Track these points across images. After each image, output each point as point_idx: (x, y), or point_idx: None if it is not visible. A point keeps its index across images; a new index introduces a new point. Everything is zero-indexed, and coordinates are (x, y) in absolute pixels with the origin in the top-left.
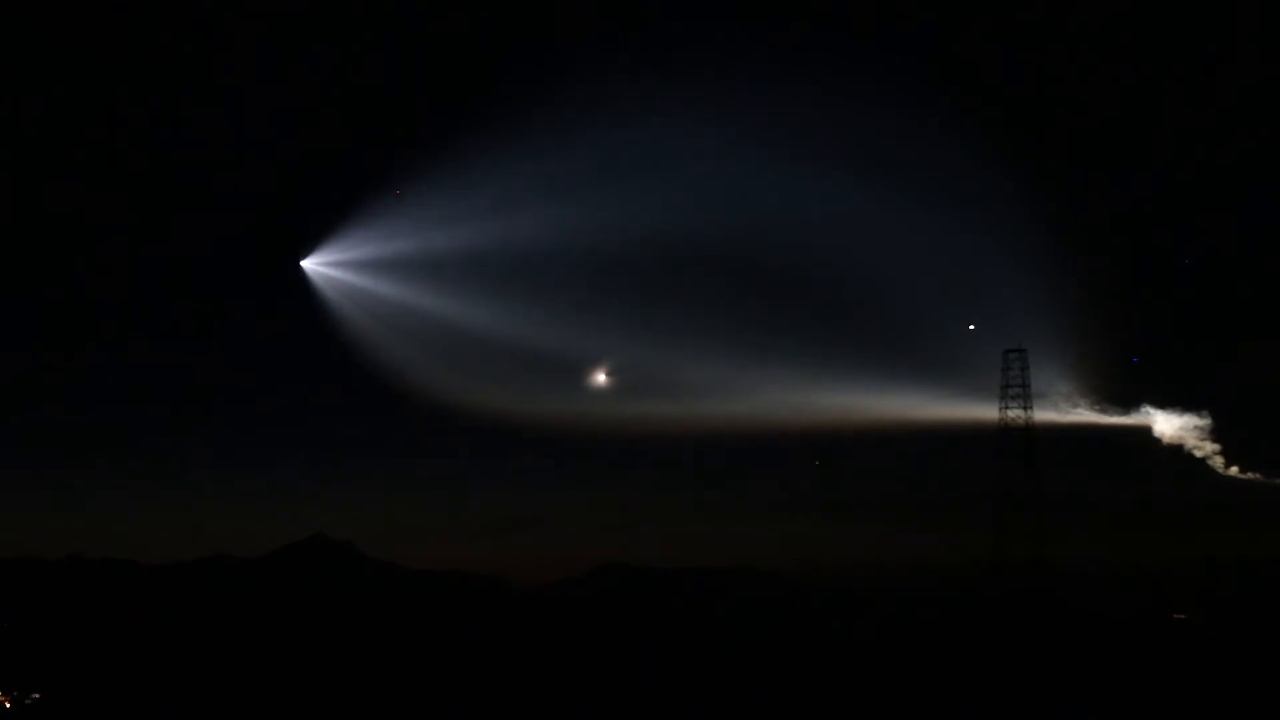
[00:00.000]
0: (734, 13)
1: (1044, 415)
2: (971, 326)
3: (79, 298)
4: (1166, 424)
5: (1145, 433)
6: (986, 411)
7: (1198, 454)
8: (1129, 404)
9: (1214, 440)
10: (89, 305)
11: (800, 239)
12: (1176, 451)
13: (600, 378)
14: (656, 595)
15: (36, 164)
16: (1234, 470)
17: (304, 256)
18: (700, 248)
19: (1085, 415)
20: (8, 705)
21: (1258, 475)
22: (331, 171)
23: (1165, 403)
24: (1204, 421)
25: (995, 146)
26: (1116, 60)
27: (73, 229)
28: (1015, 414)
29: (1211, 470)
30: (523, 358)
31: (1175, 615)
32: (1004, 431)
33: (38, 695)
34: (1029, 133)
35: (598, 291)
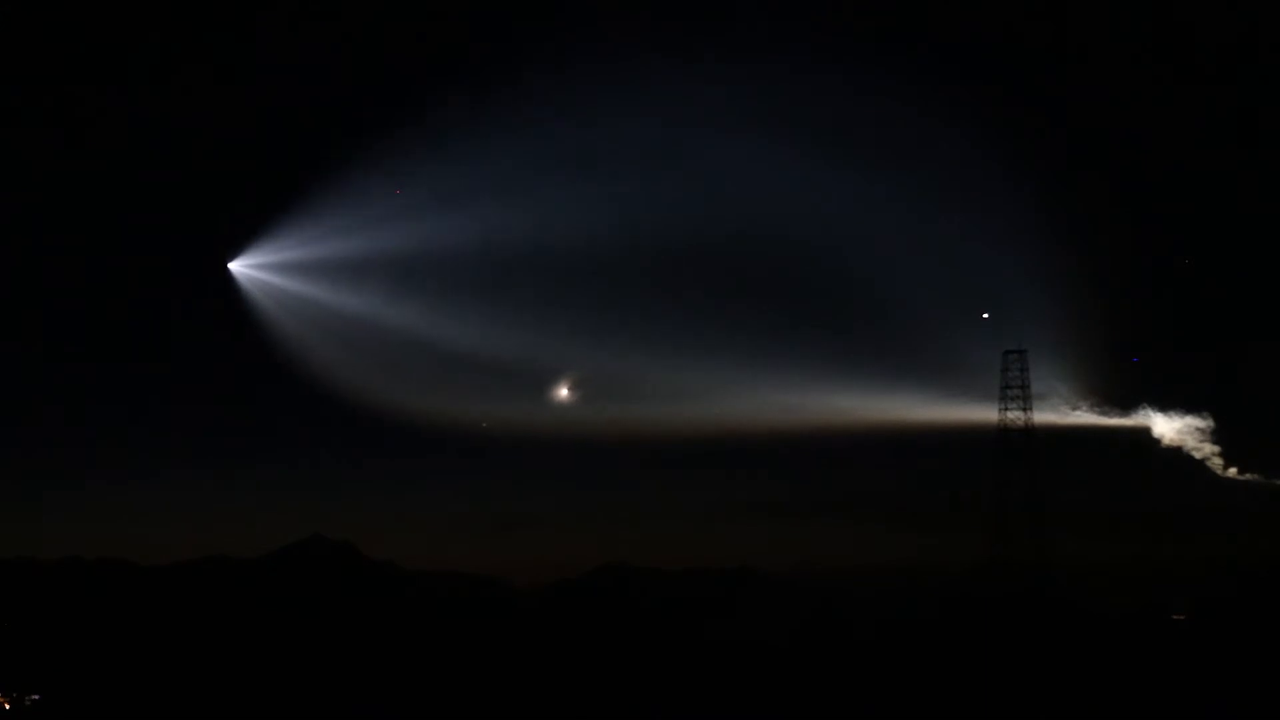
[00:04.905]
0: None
1: (1044, 416)
2: (985, 315)
3: (75, 297)
4: (1166, 425)
5: (1145, 434)
6: (986, 413)
7: (1197, 455)
8: (1129, 405)
9: (1213, 442)
10: (87, 304)
11: (798, 239)
12: (1176, 453)
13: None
14: (656, 595)
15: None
16: (1233, 471)
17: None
18: (699, 247)
19: (1085, 417)
20: (7, 706)
21: (1257, 476)
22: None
23: (1165, 404)
24: (1204, 423)
25: (995, 146)
26: (1118, 59)
27: (56, 228)
28: (1015, 415)
29: (1211, 471)
30: (522, 359)
31: (1175, 615)
32: (1003, 433)
33: (37, 696)
34: (1029, 133)
35: (595, 292)
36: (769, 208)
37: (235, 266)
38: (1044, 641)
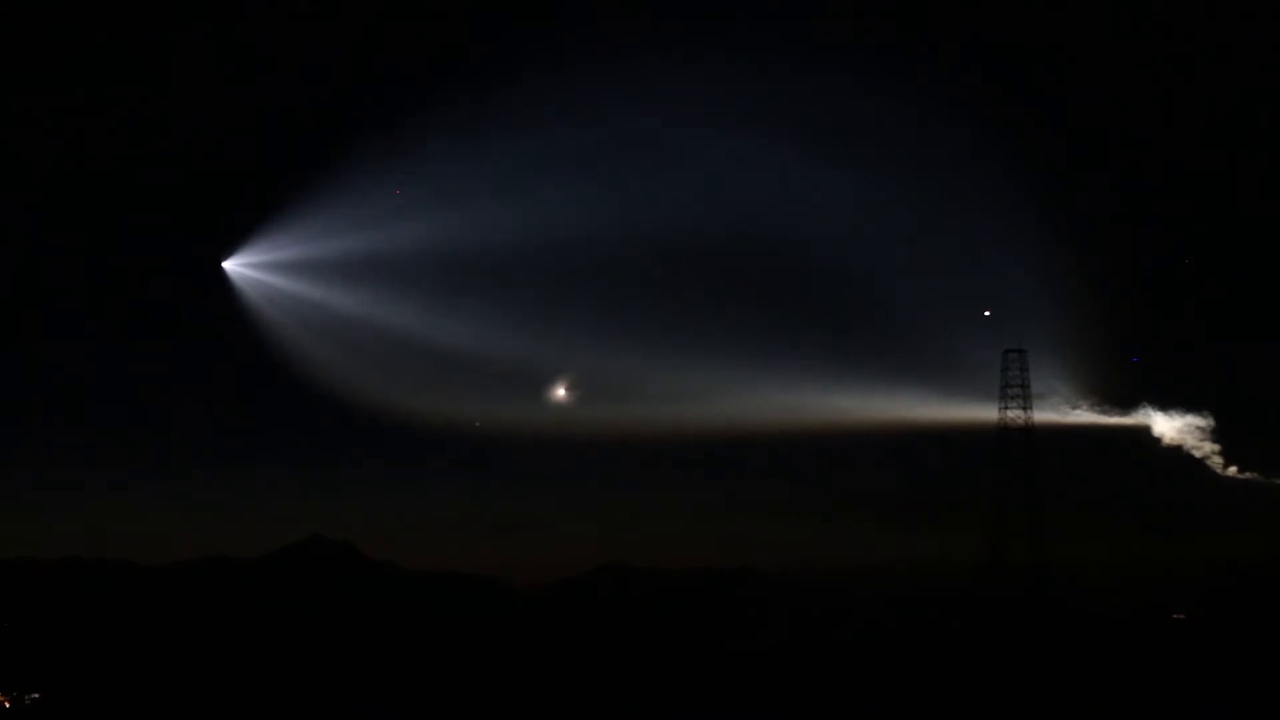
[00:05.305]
0: None
1: (1043, 416)
2: (987, 313)
3: (75, 297)
4: (1166, 424)
5: (1145, 433)
6: (986, 412)
7: (1197, 454)
8: (1129, 404)
9: (1213, 440)
10: (86, 304)
11: (798, 239)
12: (1176, 452)
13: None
14: (656, 595)
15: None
16: (1233, 471)
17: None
18: (699, 247)
19: (1085, 416)
20: (7, 705)
21: (1257, 476)
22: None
23: (1165, 403)
24: (1204, 422)
25: (995, 146)
26: (1118, 59)
27: (55, 228)
28: (1015, 414)
29: (1211, 470)
30: (522, 358)
31: (1175, 615)
32: (1003, 432)
33: (37, 695)
34: (1029, 133)
35: (595, 292)
36: (769, 208)
37: (234, 266)
38: (1044, 641)
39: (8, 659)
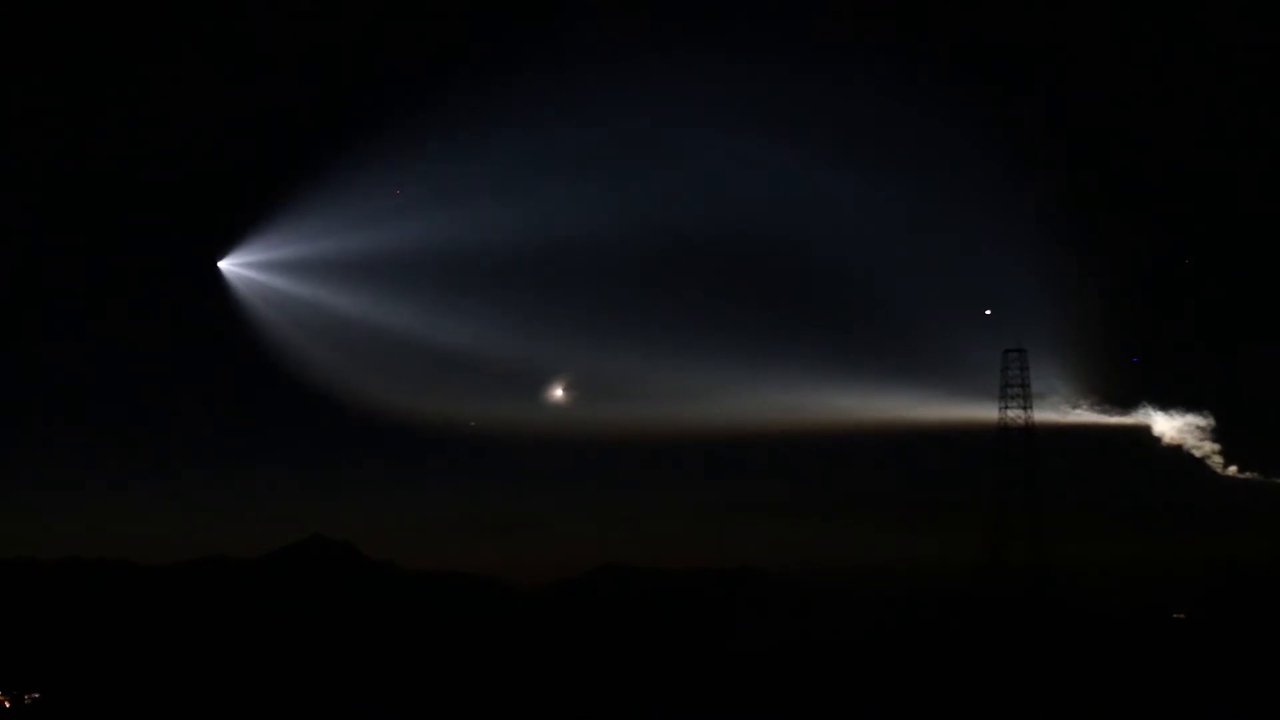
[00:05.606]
0: None
1: (1044, 415)
2: (988, 312)
3: (74, 297)
4: (1166, 424)
5: (1145, 433)
6: (986, 412)
7: (1197, 454)
8: (1129, 404)
9: (1213, 440)
10: (86, 304)
11: (798, 239)
12: (1176, 451)
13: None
14: (656, 595)
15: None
16: (1233, 470)
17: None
18: (699, 247)
19: (1085, 416)
20: (7, 705)
21: (1257, 475)
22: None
23: (1165, 403)
24: (1204, 421)
25: (995, 146)
26: (1118, 59)
27: (55, 228)
28: (1015, 414)
29: (1211, 470)
30: (521, 358)
31: (1175, 615)
32: (1003, 432)
33: (37, 695)
34: (1029, 133)
35: (595, 292)
36: (769, 208)
37: (231, 266)
38: (1044, 641)
39: (8, 659)
